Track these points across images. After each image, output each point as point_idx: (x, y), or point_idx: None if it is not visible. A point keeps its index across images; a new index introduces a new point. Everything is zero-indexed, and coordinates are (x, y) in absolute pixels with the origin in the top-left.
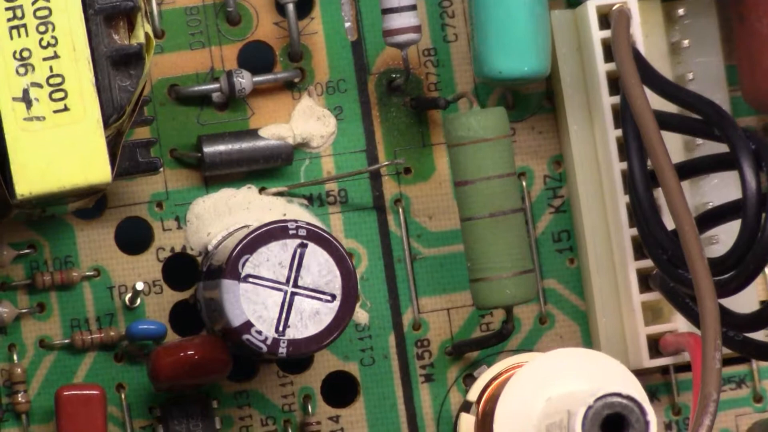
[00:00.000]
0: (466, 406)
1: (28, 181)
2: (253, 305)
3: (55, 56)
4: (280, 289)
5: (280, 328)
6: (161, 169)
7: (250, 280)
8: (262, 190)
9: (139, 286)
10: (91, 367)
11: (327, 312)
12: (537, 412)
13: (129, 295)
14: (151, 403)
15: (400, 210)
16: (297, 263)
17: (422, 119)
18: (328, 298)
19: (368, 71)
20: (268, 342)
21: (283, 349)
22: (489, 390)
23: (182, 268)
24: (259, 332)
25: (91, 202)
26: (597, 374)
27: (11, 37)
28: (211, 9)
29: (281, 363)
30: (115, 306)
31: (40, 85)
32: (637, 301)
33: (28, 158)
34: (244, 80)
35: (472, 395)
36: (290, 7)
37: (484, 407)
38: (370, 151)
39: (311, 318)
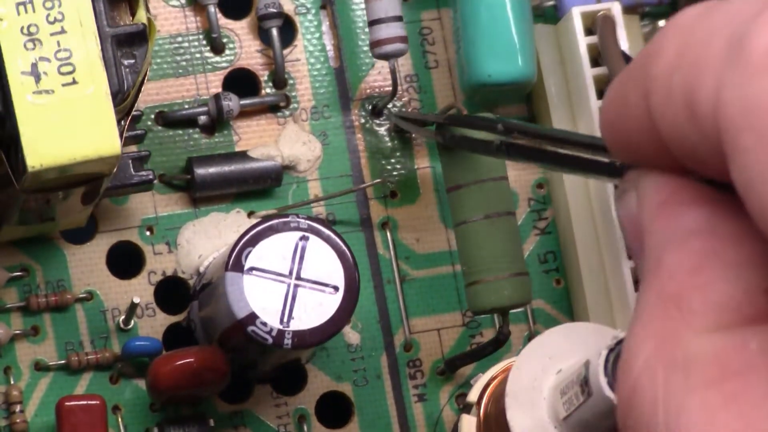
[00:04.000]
0: (467, 408)
1: (38, 154)
2: (257, 297)
3: (63, 31)
4: (283, 281)
5: (285, 320)
6: (155, 181)
7: (254, 272)
8: (251, 214)
9: (136, 299)
10: (87, 389)
11: (330, 303)
12: (548, 385)
13: (122, 317)
14: (147, 424)
15: (388, 233)
16: (299, 255)
17: (406, 143)
18: (331, 289)
19: (351, 97)
20: (273, 333)
21: (288, 341)
22: (489, 389)
23: (174, 292)
24: (264, 324)
25: (84, 220)
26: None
27: (18, 13)
28: (195, 37)
29: (275, 383)
30: (109, 329)
31: (48, 60)
32: None
33: (38, 131)
34: (232, 102)
35: (473, 396)
36: (274, 31)
37: (485, 407)
38: (355, 175)
39: (315, 309)
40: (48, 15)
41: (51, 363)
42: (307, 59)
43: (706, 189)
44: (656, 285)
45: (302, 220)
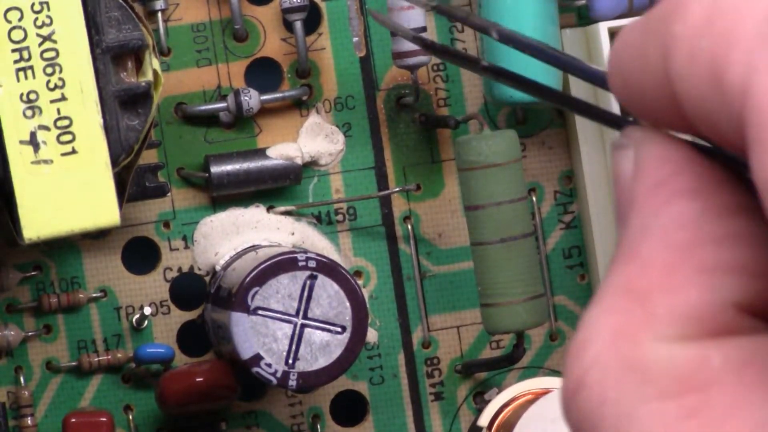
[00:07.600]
0: (476, 431)
1: (35, 226)
2: (262, 338)
3: (63, 98)
4: (289, 321)
5: (290, 361)
6: (169, 193)
7: (260, 312)
8: (270, 209)
9: (147, 310)
10: (98, 389)
11: (337, 344)
12: None
13: (136, 317)
14: (159, 425)
15: (410, 227)
16: (307, 295)
17: (431, 136)
18: (338, 329)
19: (377, 87)
20: (278, 375)
21: (293, 382)
22: (501, 417)
23: (190, 288)
24: (269, 365)
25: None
26: None
27: (18, 80)
28: (218, 26)
29: None
30: (122, 327)
31: (47, 128)
32: None
33: (36, 202)
34: (252, 99)
35: (483, 421)
36: (298, 24)
37: None
38: (378, 168)
39: (321, 350)
40: (48, 81)
41: (62, 364)
42: (332, 48)
43: (710, 170)
44: (626, 273)
45: (311, 258)
